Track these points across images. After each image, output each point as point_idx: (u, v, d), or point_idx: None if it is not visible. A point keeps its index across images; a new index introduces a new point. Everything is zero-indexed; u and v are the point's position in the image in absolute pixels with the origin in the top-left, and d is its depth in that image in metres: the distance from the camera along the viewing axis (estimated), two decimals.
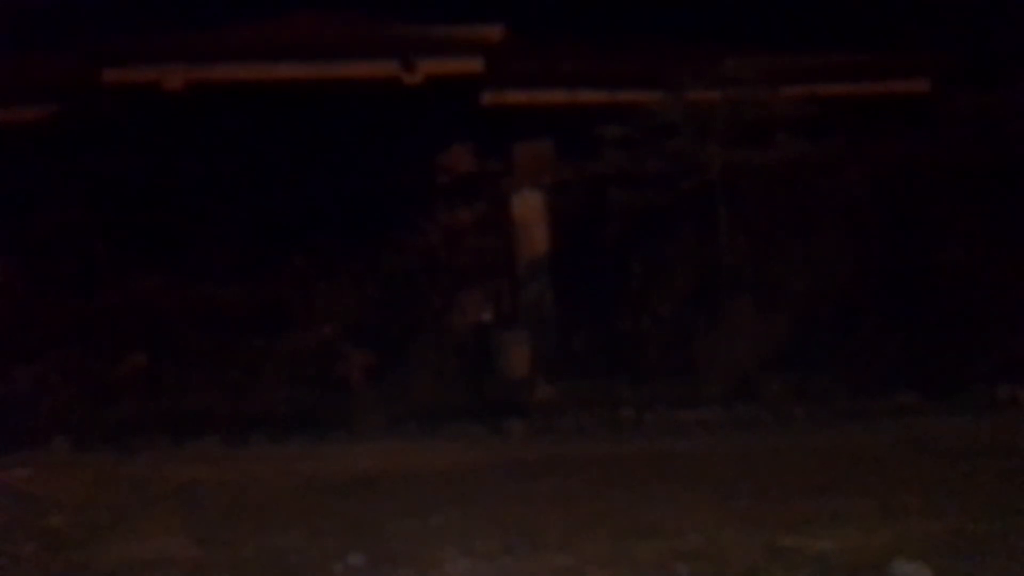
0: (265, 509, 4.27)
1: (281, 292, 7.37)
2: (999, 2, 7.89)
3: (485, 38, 7.28)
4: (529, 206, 7.70)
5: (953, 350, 6.87)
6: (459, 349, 7.10)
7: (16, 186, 7.45)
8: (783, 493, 4.16)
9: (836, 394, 6.55)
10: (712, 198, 7.29)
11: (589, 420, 6.34)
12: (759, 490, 4.22)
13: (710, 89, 7.21)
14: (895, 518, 3.67)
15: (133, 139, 7.45)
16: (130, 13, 7.37)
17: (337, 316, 7.29)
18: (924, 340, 6.95)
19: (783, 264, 7.43)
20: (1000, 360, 6.79)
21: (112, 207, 7.43)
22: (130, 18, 7.34)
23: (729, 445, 5.54)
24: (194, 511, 4.27)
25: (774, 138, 7.27)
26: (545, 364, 7.03)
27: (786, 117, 7.22)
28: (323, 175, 7.59)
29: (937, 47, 7.86)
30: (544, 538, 3.62)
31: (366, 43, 7.34)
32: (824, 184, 7.65)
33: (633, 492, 4.29)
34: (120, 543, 3.78)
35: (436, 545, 3.57)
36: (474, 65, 7.28)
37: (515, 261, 7.74)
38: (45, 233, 7.31)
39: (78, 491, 4.81)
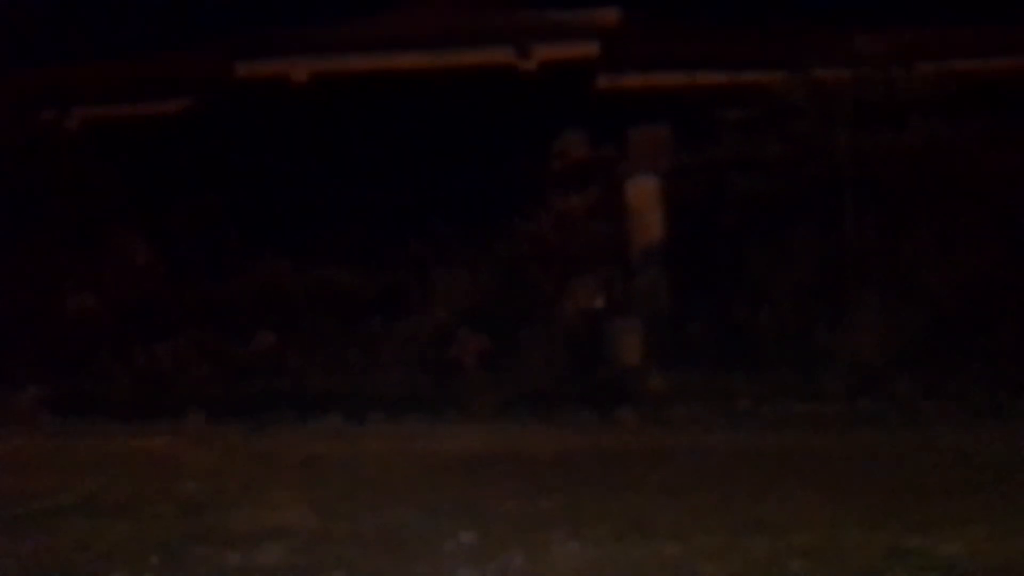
0: (382, 485, 4.42)
1: (399, 277, 7.57)
2: None
3: (601, 21, 7.21)
4: (644, 192, 7.58)
5: None
6: (570, 336, 7.08)
7: (155, 175, 7.97)
8: (909, 493, 3.98)
9: (972, 392, 6.18)
10: (839, 183, 6.97)
11: (703, 411, 6.20)
12: (883, 489, 4.06)
13: (838, 68, 6.89)
14: None
15: (262, 129, 7.81)
16: (259, 8, 7.71)
17: (452, 301, 7.42)
18: None
19: (916, 252, 7.04)
20: None
21: (243, 195, 7.82)
22: (259, 13, 7.68)
23: (851, 442, 5.33)
24: (315, 484, 4.46)
25: (908, 119, 6.89)
26: (658, 353, 6.93)
27: (921, 96, 6.82)
28: (439, 163, 7.73)
29: None
30: (654, 527, 3.59)
31: (482, 30, 7.41)
32: (963, 168, 7.20)
33: (748, 486, 4.20)
34: (247, 510, 3.99)
35: (545, 528, 3.60)
36: (589, 49, 7.23)
37: (629, 248, 7.65)
38: (182, 219, 7.77)
39: (210, 461, 5.12)
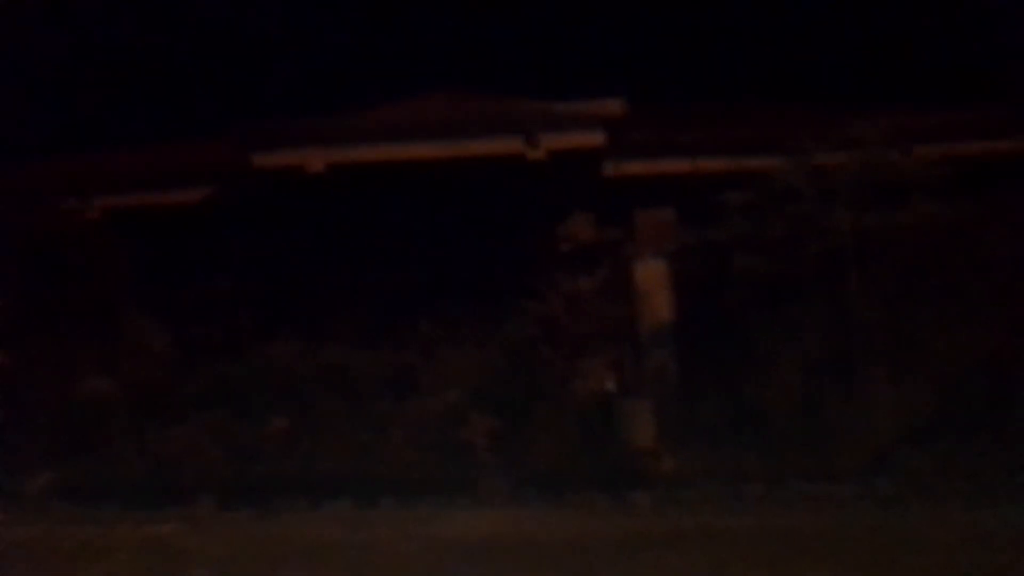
0: (392, 569, 4.38)
1: (409, 358, 7.62)
2: None
3: (606, 112, 7.45)
4: (651, 273, 7.70)
5: None
6: (582, 417, 7.08)
7: (172, 262, 8.12)
8: (924, 574, 3.92)
9: (986, 470, 6.13)
10: (842, 262, 7.06)
11: (715, 493, 6.17)
12: (898, 572, 4.00)
13: (836, 152, 7.06)
14: None
15: (278, 217, 8.00)
16: (275, 101, 8.01)
17: (462, 381, 7.45)
18: None
19: (923, 329, 7.06)
20: None
21: (258, 280, 7.94)
22: (276, 106, 7.98)
23: (865, 523, 5.29)
24: (325, 570, 4.43)
25: (907, 199, 7.02)
26: (669, 434, 6.91)
27: (919, 178, 6.96)
28: (450, 246, 7.88)
29: None
30: None
31: (492, 121, 7.66)
32: (965, 246, 7.29)
33: (760, 570, 4.16)
34: None
35: None
36: (595, 138, 7.44)
37: (638, 328, 7.71)
38: (196, 304, 7.88)
39: (221, 547, 5.08)
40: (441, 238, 7.87)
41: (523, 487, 6.41)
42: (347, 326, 7.74)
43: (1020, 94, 7.70)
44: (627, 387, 7.48)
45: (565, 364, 7.40)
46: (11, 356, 7.69)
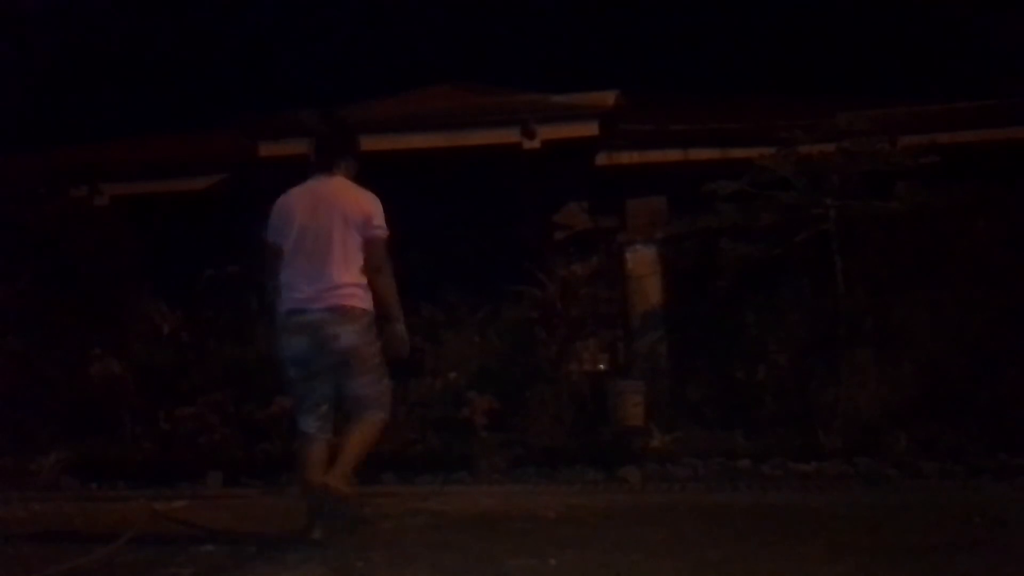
0: (395, 543, 4.56)
1: (412, 341, 7.79)
2: None
3: (599, 103, 7.62)
4: (642, 259, 7.89)
5: None
6: (576, 396, 7.27)
7: (181, 248, 8.32)
8: (908, 551, 4.01)
9: (970, 449, 6.28)
10: (828, 248, 7.23)
11: (704, 469, 6.36)
12: (882, 547, 4.08)
13: (823, 142, 7.22)
14: None
15: None
16: (280, 93, 8.18)
17: (462, 363, 7.63)
18: None
19: (908, 314, 7.23)
20: None
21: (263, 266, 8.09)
22: (281, 97, 8.15)
23: (851, 499, 5.40)
24: (330, 543, 4.61)
25: (893, 188, 7.18)
26: (659, 412, 7.11)
27: (905, 167, 7.12)
28: (451, 233, 8.07)
29: None
30: None
31: (491, 113, 7.83)
32: (950, 233, 7.46)
33: (748, 543, 4.27)
34: (265, 570, 4.13)
35: None
36: (589, 129, 7.61)
37: (629, 312, 7.91)
38: (207, 288, 8.07)
39: (229, 522, 5.24)
40: (443, 225, 8.05)
41: (520, 463, 6.61)
42: None
43: (1005, 84, 7.87)
44: (619, 368, 7.68)
45: (561, 347, 7.59)
46: (25, 340, 7.88)
